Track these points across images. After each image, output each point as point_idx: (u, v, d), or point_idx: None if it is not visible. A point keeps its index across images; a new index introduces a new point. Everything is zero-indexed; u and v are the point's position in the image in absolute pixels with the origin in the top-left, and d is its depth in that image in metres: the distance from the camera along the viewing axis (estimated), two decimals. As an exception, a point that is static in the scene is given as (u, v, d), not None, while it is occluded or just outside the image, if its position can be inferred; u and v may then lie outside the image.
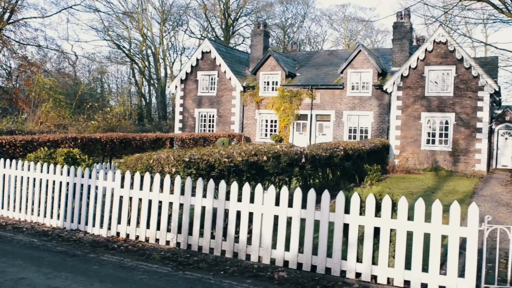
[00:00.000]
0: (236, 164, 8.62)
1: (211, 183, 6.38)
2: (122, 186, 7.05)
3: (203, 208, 6.50)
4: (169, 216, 6.73)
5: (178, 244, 6.58)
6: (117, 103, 49.36)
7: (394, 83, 22.49)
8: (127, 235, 6.97)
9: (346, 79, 24.06)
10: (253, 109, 26.46)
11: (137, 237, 6.89)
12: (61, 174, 7.69)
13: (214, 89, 27.28)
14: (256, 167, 9.38)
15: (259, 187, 6.09)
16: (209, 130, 27.39)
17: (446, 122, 21.74)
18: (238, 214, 6.27)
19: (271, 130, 26.20)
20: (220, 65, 26.59)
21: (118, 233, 7.05)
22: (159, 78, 49.32)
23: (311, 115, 24.98)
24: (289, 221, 5.98)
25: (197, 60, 27.45)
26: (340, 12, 64.21)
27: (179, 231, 6.62)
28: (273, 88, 25.93)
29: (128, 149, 18.37)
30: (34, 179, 7.97)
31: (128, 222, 7.00)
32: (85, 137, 16.52)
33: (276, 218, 6.05)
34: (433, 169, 21.02)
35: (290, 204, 5.87)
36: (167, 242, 6.66)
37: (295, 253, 5.76)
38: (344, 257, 5.57)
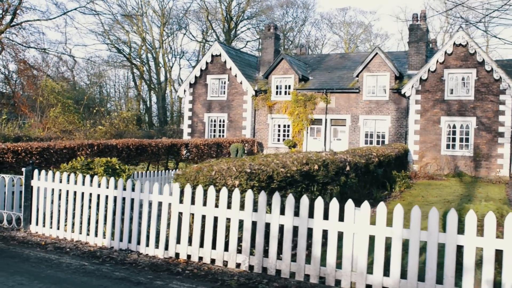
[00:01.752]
0: (292, 174, 7.92)
1: (291, 198, 5.66)
2: (181, 201, 6.30)
3: (281, 226, 5.77)
4: (239, 235, 6.00)
5: (250, 267, 5.84)
6: (116, 108, 48.38)
7: (412, 86, 21.96)
8: (188, 257, 6.21)
9: (362, 82, 23.48)
10: (265, 113, 25.77)
11: (200, 258, 6.14)
12: (107, 187, 6.91)
13: (224, 93, 26.55)
14: (308, 176, 8.69)
15: (350, 203, 5.38)
16: (219, 135, 26.63)
17: (467, 127, 21.23)
18: (324, 233, 5.55)
19: (283, 135, 25.52)
20: (230, 68, 25.88)
21: (177, 254, 6.28)
22: (159, 83, 48.46)
23: (326, 119, 24.35)
24: (387, 242, 5.28)
25: (207, 63, 26.72)
26: (340, 15, 63.93)
27: (252, 252, 5.88)
28: (285, 92, 25.27)
29: (144, 156, 17.58)
30: (75, 192, 7.17)
31: (190, 242, 6.24)
32: (101, 143, 15.68)
33: (369, 238, 5.34)
34: (456, 175, 20.47)
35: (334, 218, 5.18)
36: (237, 265, 5.91)
37: (397, 279, 5.05)
38: (457, 284, 4.88)
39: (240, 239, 5.99)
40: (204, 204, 6.16)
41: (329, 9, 70.81)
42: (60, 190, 7.33)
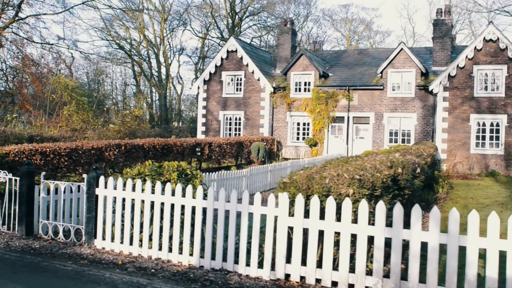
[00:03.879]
0: (386, 179, 7.07)
1: (435, 211, 4.81)
2: (291, 214, 5.41)
3: (423, 244, 4.92)
4: (368, 254, 5.13)
5: (384, 291, 4.98)
6: (115, 106, 47.07)
7: (440, 83, 21.27)
8: (302, 278, 5.33)
9: (386, 79, 22.74)
10: (284, 111, 24.90)
11: (317, 280, 5.26)
12: (194, 197, 5.99)
13: (240, 90, 25.61)
14: (394, 181, 7.85)
15: (515, 217, 4.54)
16: (235, 134, 25.70)
17: (497, 124, 20.61)
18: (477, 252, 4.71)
19: (303, 134, 24.69)
20: (247, 64, 24.94)
21: (287, 275, 5.39)
22: (161, 80, 47.27)
23: (348, 117, 23.57)
24: None
25: (222, 59, 25.74)
26: (342, 12, 63.33)
27: (386, 274, 5.02)
28: (305, 89, 24.43)
29: (169, 156, 16.61)
30: (152, 203, 6.24)
31: (304, 261, 5.35)
32: (128, 143, 14.71)
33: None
34: (488, 174, 19.85)
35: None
36: (366, 289, 5.05)
37: None
38: None
39: (369, 259, 5.12)
40: (322, 217, 5.28)
41: (331, 6, 70.20)
42: (132, 200, 6.38)
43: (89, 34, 77.68)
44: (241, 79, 25.55)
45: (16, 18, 24.56)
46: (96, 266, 5.81)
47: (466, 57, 20.85)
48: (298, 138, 24.77)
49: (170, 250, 6.11)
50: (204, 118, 26.39)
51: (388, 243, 5.17)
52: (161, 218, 6.19)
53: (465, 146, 21.09)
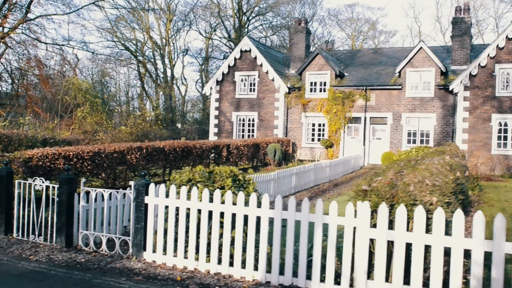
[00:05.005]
0: (453, 184, 6.61)
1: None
2: (373, 225, 4.93)
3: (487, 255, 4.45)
4: (464, 269, 4.65)
5: (485, 312, 4.50)
6: (119, 108, 46.50)
7: (461, 82, 20.82)
8: (386, 296, 4.84)
9: (405, 78, 22.28)
10: (299, 112, 24.41)
11: (405, 299, 4.78)
12: (259, 207, 5.51)
13: (254, 91, 25.12)
14: (457, 185, 7.39)
15: None
16: (249, 136, 25.21)
17: (520, 124, 20.17)
18: None
19: (318, 135, 24.21)
20: (261, 64, 24.45)
21: (368, 293, 4.91)
22: (166, 81, 46.75)
23: (365, 117, 23.10)
24: None
25: (235, 59, 25.25)
26: (348, 12, 62.97)
27: (486, 292, 4.55)
28: (321, 89, 23.96)
29: (189, 159, 16.14)
30: (210, 212, 5.75)
31: (387, 278, 4.87)
32: (149, 146, 14.21)
33: None
34: (512, 176, 19.40)
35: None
36: (463, 309, 4.57)
37: None
38: None
39: (466, 276, 4.64)
40: (408, 229, 4.79)
41: (336, 5, 69.77)
42: (187, 209, 5.89)
43: (94, 36, 77.17)
44: (254, 80, 25.07)
45: (26, 19, 24.05)
46: (153, 283, 5.31)
47: (488, 55, 20.41)
48: (313, 139, 24.29)
49: (231, 264, 5.62)
50: (217, 119, 25.90)
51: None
52: (220, 229, 5.70)
53: (486, 146, 20.64)
